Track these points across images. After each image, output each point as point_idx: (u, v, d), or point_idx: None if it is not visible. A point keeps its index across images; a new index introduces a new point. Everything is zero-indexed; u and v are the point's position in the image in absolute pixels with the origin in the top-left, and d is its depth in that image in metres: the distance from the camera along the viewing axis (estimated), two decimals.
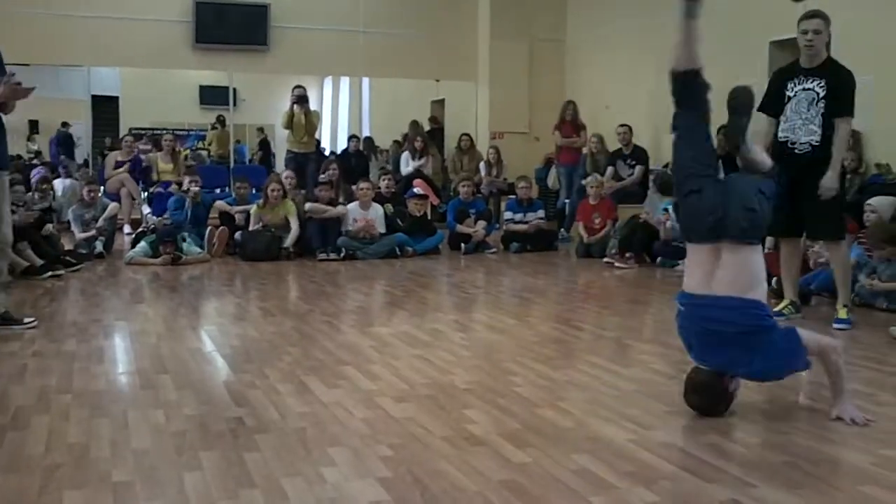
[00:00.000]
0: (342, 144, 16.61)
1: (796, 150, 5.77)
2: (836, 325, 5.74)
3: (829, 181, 5.66)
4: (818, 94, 5.68)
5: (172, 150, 12.59)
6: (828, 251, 6.04)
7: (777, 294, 6.72)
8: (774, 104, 5.93)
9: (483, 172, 12.72)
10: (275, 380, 4.39)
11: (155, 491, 2.93)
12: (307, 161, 11.97)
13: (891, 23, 8.40)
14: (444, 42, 14.06)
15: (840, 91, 5.65)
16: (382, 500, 2.82)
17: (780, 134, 5.87)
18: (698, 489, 2.94)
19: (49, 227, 8.86)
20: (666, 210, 8.95)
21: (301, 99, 11.88)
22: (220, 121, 17.00)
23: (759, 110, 6.10)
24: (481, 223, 10.40)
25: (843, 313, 5.81)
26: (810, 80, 5.72)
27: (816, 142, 5.69)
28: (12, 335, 5.41)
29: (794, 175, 5.75)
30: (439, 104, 16.46)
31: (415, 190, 10.95)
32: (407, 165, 12.95)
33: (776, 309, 6.02)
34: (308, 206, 9.65)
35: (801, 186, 5.74)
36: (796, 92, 5.78)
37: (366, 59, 13.88)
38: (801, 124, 5.75)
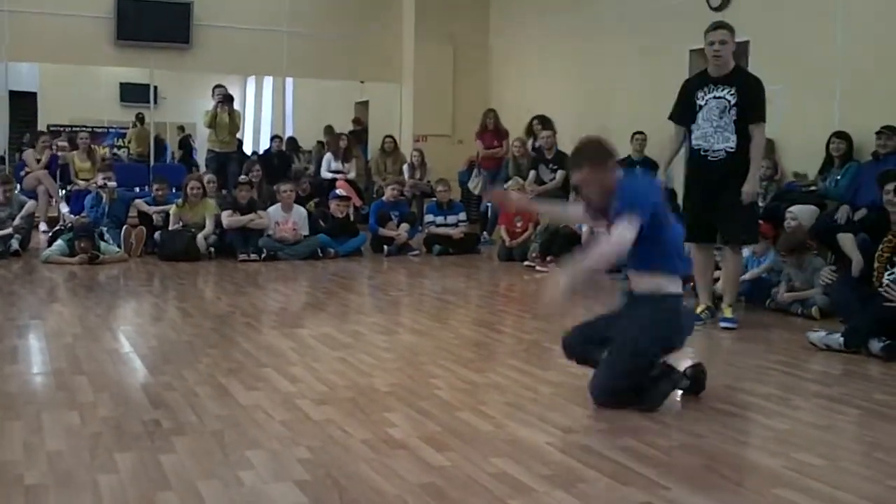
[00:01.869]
0: (265, 144, 16.44)
1: (709, 158, 5.93)
2: (722, 324, 5.98)
3: (750, 186, 5.83)
4: (730, 101, 5.83)
5: (89, 148, 12.35)
6: (725, 253, 6.19)
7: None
8: (683, 114, 6.10)
9: (406, 175, 12.74)
10: (193, 382, 4.35)
11: (69, 494, 2.89)
12: (229, 160, 11.89)
13: (801, 32, 8.66)
14: (368, 44, 14.04)
15: (751, 98, 5.83)
16: (300, 503, 2.82)
17: (693, 142, 6.03)
18: (614, 492, 3.00)
19: None
20: None
21: (226, 98, 11.81)
22: (140, 118, 16.70)
23: (669, 118, 6.28)
24: (404, 226, 10.42)
25: (728, 312, 6.05)
26: (721, 89, 5.87)
27: (731, 148, 5.84)
28: None
29: (709, 182, 5.95)
30: (363, 106, 16.42)
31: (337, 191, 10.92)
32: (329, 166, 12.91)
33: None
34: (226, 221, 9.54)
35: (717, 192, 5.90)
36: (707, 101, 5.92)
37: (290, 59, 13.79)
38: (712, 132, 5.90)
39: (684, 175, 6.34)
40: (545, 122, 11.74)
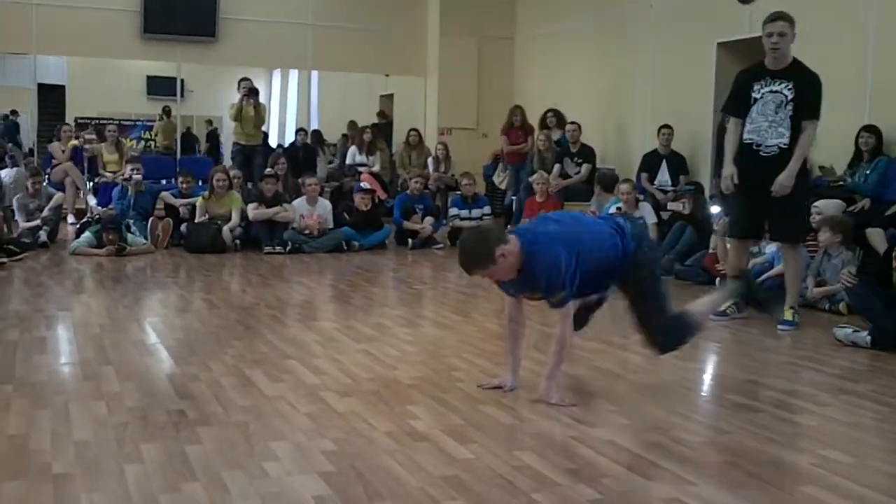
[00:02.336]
0: (290, 137, 16.52)
1: (762, 153, 5.76)
2: (780, 327, 5.82)
3: (784, 178, 5.64)
4: (787, 96, 5.66)
5: (117, 141, 12.44)
6: (784, 253, 6.07)
7: None
8: (739, 106, 5.92)
9: (431, 168, 12.74)
10: (218, 373, 4.38)
11: (95, 483, 2.91)
12: (254, 153, 11.95)
13: (830, 24, 8.56)
14: (393, 37, 14.04)
15: (808, 94, 5.65)
16: (325, 495, 2.84)
17: (745, 136, 5.85)
18: (640, 487, 2.99)
19: None
20: (618, 209, 9.04)
21: (251, 91, 11.87)
22: (167, 111, 16.81)
23: (722, 111, 6.14)
24: (429, 219, 10.43)
25: (788, 315, 5.86)
26: (777, 83, 5.71)
27: (785, 144, 5.68)
28: None
29: (759, 177, 5.76)
30: (388, 99, 16.45)
31: (361, 184, 10.94)
32: (354, 160, 12.93)
33: (720, 309, 6.11)
34: (251, 214, 9.59)
35: (767, 189, 5.73)
36: (763, 94, 5.75)
37: (315, 52, 13.83)
38: (766, 126, 5.73)
39: (738, 170, 6.16)
40: (559, 115, 11.72)
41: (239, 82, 12.29)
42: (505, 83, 13.88)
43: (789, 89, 5.67)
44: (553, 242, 3.91)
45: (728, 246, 7.10)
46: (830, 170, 8.37)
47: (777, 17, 5.74)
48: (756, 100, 5.79)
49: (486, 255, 3.81)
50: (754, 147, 5.80)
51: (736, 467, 3.20)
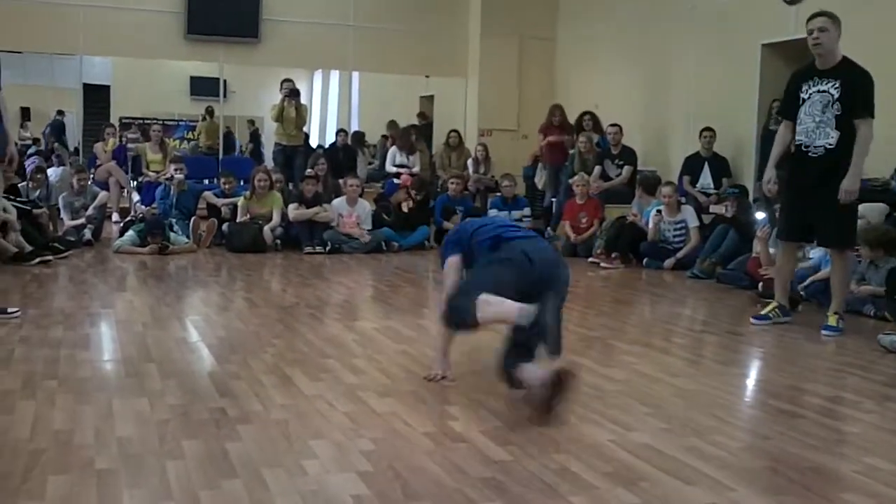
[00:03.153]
0: (330, 138, 16.59)
1: (809, 154, 5.68)
2: (823, 332, 5.74)
3: (848, 183, 5.54)
4: (833, 95, 5.58)
5: (161, 141, 12.58)
6: (832, 257, 5.98)
7: (762, 296, 6.79)
8: (789, 107, 5.87)
9: (471, 169, 12.74)
10: (258, 371, 4.41)
11: (138, 479, 2.95)
12: (295, 154, 12.04)
13: (879, 25, 8.42)
14: (434, 38, 14.07)
15: (857, 92, 5.55)
16: (363, 495, 2.85)
17: (796, 138, 5.79)
18: (678, 491, 2.97)
19: (42, 212, 8.97)
20: (659, 212, 9.00)
21: (292, 93, 11.95)
22: (209, 112, 16.97)
23: (778, 115, 6.08)
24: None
25: (832, 320, 5.78)
26: (825, 82, 5.63)
27: (831, 145, 5.59)
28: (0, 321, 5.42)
29: (806, 179, 5.71)
30: (428, 100, 16.47)
31: (393, 181, 11.00)
32: (394, 160, 12.97)
33: (763, 312, 6.06)
34: (292, 214, 9.66)
35: (815, 191, 5.68)
36: (810, 94, 5.68)
37: (356, 53, 13.89)
38: (813, 127, 5.66)
39: (786, 171, 6.12)
40: (595, 119, 11.66)
41: (281, 83, 12.38)
42: (546, 84, 13.85)
43: (836, 88, 5.58)
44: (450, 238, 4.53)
45: (772, 251, 7.05)
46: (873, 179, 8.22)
47: (817, 13, 5.68)
48: (804, 100, 5.72)
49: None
50: (803, 148, 5.73)
51: (777, 473, 3.16)
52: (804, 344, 5.57)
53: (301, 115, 12.16)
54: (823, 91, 5.63)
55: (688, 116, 10.94)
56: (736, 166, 10.12)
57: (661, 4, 11.52)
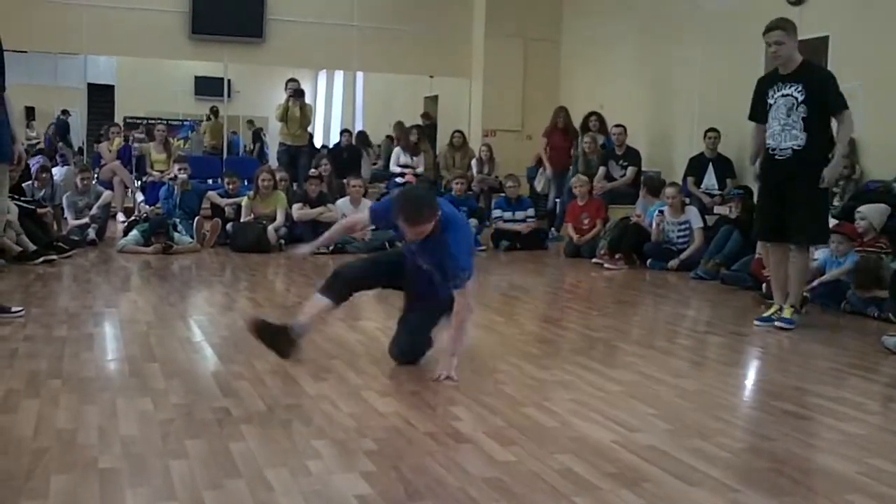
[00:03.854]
0: (335, 138, 16.61)
1: (776, 157, 5.85)
2: (776, 323, 5.87)
3: (830, 172, 5.73)
4: (797, 98, 5.74)
5: (165, 141, 12.60)
6: (794, 251, 6.01)
7: (766, 297, 6.77)
8: (759, 112, 6.04)
9: (475, 170, 12.74)
10: (262, 371, 4.41)
11: (141, 478, 2.95)
12: (300, 154, 12.08)
13: (882, 28, 8.43)
14: (438, 38, 14.06)
15: (822, 91, 5.73)
16: (366, 494, 2.85)
17: (766, 141, 5.96)
18: (682, 492, 2.96)
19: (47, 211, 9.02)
20: (661, 212, 9.00)
21: (297, 93, 11.97)
22: (214, 112, 17.00)
23: (749, 119, 6.20)
24: (472, 221, 10.42)
25: (787, 312, 5.92)
26: (788, 86, 5.80)
27: (799, 146, 5.74)
28: (4, 320, 5.42)
29: (775, 179, 5.89)
30: (432, 100, 16.47)
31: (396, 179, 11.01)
32: (398, 161, 12.97)
33: (766, 314, 6.05)
34: (296, 214, 9.67)
35: (785, 191, 5.83)
36: (776, 98, 5.86)
37: (360, 53, 13.89)
38: (779, 130, 5.82)
39: (757, 174, 6.24)
40: (601, 119, 11.66)
41: (286, 83, 12.41)
42: (550, 85, 13.84)
43: (799, 91, 5.75)
44: (466, 227, 4.59)
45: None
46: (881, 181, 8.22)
47: (770, 27, 5.88)
48: (770, 105, 5.90)
49: (431, 215, 4.21)
50: (770, 151, 5.90)
51: (780, 474, 3.16)
52: (808, 345, 5.56)
53: (305, 115, 12.19)
54: (787, 95, 5.80)
55: (692, 117, 10.93)
56: (740, 167, 10.10)
57: (666, 5, 11.52)
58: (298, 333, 4.56)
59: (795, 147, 5.76)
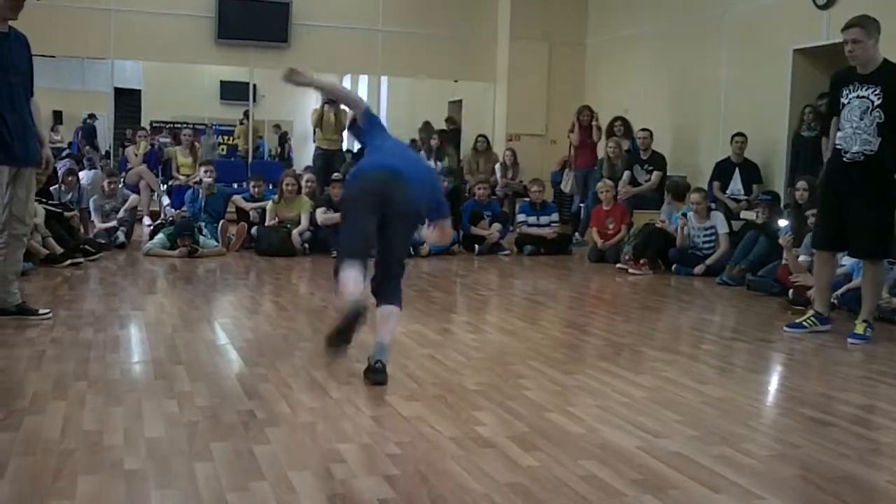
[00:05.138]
0: (359, 143, 16.65)
1: (845, 160, 5.61)
2: (850, 340, 5.66)
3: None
4: (872, 101, 5.50)
5: (191, 144, 12.68)
6: (864, 266, 5.91)
7: (793, 303, 6.72)
8: (836, 107, 5.77)
9: (499, 174, 12.73)
10: (286, 374, 4.43)
11: (166, 480, 2.96)
12: (334, 158, 12.26)
13: None
14: (463, 42, 14.07)
15: None
16: (389, 498, 2.85)
17: (836, 142, 5.73)
18: (706, 499, 2.94)
19: (74, 214, 9.09)
20: (684, 215, 8.95)
21: (331, 100, 12.10)
22: (247, 115, 17.10)
23: (826, 113, 5.99)
24: (496, 225, 10.42)
25: (860, 328, 5.71)
26: (865, 88, 5.55)
27: (870, 151, 5.51)
28: (31, 323, 5.47)
29: (841, 186, 5.65)
30: (457, 105, 16.47)
31: None
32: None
33: (798, 320, 5.99)
34: (320, 218, 9.69)
35: (850, 198, 5.62)
36: (850, 99, 5.60)
37: (385, 58, 13.92)
38: (851, 133, 5.58)
39: (822, 178, 6.02)
40: (626, 124, 11.62)
41: None
42: (575, 89, 13.81)
43: (876, 94, 5.50)
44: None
45: (801, 258, 6.97)
46: None
47: (850, 24, 5.59)
48: (844, 105, 5.65)
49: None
50: (843, 153, 5.65)
51: (807, 482, 3.13)
52: (835, 352, 5.51)
53: (340, 120, 12.30)
54: (863, 97, 5.55)
55: (718, 122, 10.87)
56: (767, 172, 10.05)
57: (692, 9, 11.47)
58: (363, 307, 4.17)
59: (867, 152, 5.52)
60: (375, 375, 4.28)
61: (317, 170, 11.74)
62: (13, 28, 5.37)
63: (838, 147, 5.68)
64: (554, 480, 3.05)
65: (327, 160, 12.16)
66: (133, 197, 10.37)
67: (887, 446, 3.61)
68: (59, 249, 8.15)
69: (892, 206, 5.75)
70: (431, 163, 12.82)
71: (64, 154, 13.78)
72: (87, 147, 16.65)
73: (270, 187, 10.95)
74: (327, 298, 6.94)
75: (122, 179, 11.13)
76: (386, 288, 4.48)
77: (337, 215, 9.70)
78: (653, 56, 12.24)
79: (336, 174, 10.76)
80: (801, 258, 7.05)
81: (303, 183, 10.15)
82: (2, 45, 5.25)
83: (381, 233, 4.33)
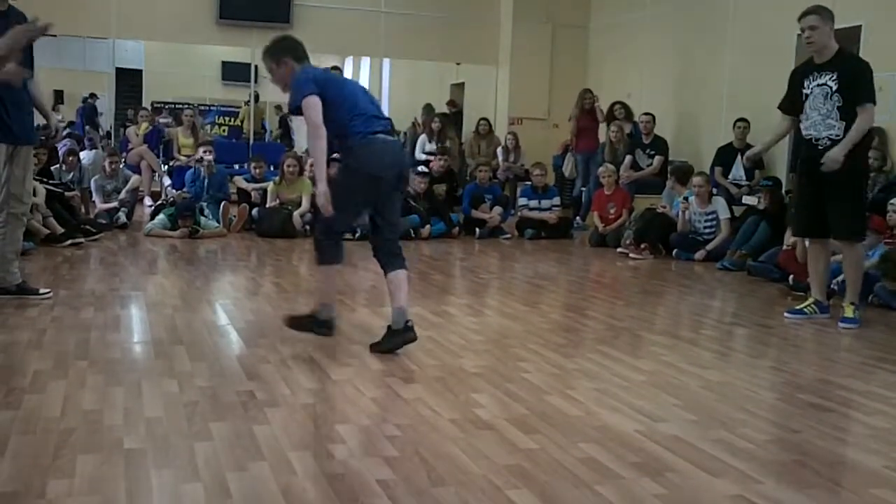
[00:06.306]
0: None
1: (819, 147, 5.73)
2: (841, 325, 5.72)
3: (834, 153, 5.58)
4: (831, 87, 5.67)
5: (193, 125, 12.65)
6: (843, 249, 5.98)
7: (793, 289, 6.73)
8: (792, 104, 5.96)
9: (500, 158, 12.71)
10: (286, 356, 4.44)
11: (166, 459, 2.97)
12: None
13: None
14: (465, 25, 14.00)
15: (854, 81, 5.63)
16: (389, 479, 2.85)
17: (804, 132, 5.88)
18: (705, 483, 2.95)
19: (74, 194, 9.09)
20: (686, 200, 8.94)
21: None
22: (257, 98, 17.05)
23: (778, 108, 6.12)
24: (497, 209, 10.42)
25: (849, 311, 5.77)
26: (823, 75, 5.72)
27: (836, 135, 5.65)
28: (32, 302, 5.47)
29: (815, 171, 5.73)
30: (459, 87, 16.43)
31: (419, 168, 11.00)
32: (423, 148, 12.96)
33: (799, 307, 6.01)
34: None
35: (823, 183, 5.72)
36: (812, 89, 5.78)
37: (387, 39, 13.87)
38: (819, 120, 5.73)
39: (796, 166, 6.14)
40: (627, 108, 11.60)
41: (329, 70, 12.47)
42: (577, 72, 13.74)
43: (833, 80, 5.67)
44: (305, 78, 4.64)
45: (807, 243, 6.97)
46: None
47: (807, 11, 5.78)
48: (807, 95, 5.81)
49: (276, 53, 4.89)
50: (813, 142, 5.80)
51: (804, 467, 3.14)
52: (834, 338, 5.52)
53: None
54: (822, 84, 5.72)
55: (721, 106, 10.84)
56: (769, 158, 10.00)
57: None
58: (329, 315, 4.72)
59: (832, 136, 5.67)
60: (410, 333, 4.56)
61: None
62: (12, 6, 5.36)
63: (808, 136, 5.83)
64: (553, 463, 3.06)
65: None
66: (134, 177, 10.36)
67: (885, 431, 3.61)
68: (60, 229, 8.16)
69: (863, 186, 5.99)
70: (433, 146, 12.81)
71: (65, 133, 13.77)
72: (88, 127, 16.64)
73: (272, 168, 10.93)
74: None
75: (123, 160, 11.11)
76: (388, 255, 4.74)
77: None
78: (656, 40, 12.18)
79: (335, 154, 10.72)
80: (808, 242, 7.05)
81: (304, 165, 10.13)
82: (1, 23, 5.24)
83: (375, 211, 4.67)
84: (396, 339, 4.56)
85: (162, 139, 12.82)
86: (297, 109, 4.55)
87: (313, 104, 4.46)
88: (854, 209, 5.81)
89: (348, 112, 4.57)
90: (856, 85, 5.63)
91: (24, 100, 5.43)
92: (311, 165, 4.95)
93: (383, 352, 4.52)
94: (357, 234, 9.42)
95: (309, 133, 4.57)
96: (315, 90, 4.51)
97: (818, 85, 5.74)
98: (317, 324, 4.72)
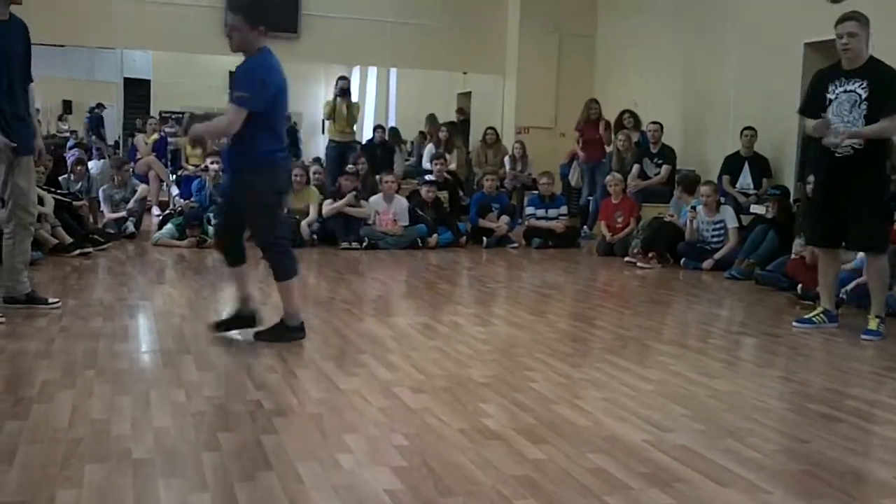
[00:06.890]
0: (368, 134, 16.65)
1: (837, 154, 5.61)
2: (864, 336, 5.62)
3: (852, 131, 5.46)
4: (860, 95, 5.52)
5: None
6: (867, 261, 5.88)
7: (801, 298, 6.71)
8: (815, 106, 5.77)
9: (507, 167, 12.71)
10: (294, 365, 4.44)
11: (173, 469, 2.97)
12: (348, 151, 12.25)
13: None
14: (472, 34, 14.01)
15: (884, 90, 5.48)
16: (396, 489, 2.85)
17: (823, 140, 5.70)
18: (713, 493, 2.94)
19: (83, 204, 9.12)
20: (693, 209, 8.93)
21: (343, 91, 12.11)
22: None
23: (799, 112, 6.02)
24: (504, 218, 10.41)
25: (873, 324, 5.67)
26: (852, 82, 5.57)
27: (859, 145, 5.52)
28: (41, 312, 5.48)
29: (835, 180, 5.65)
30: (466, 97, 16.44)
31: (426, 177, 11.02)
32: (430, 157, 12.97)
33: (807, 316, 5.98)
34: (325, 210, 9.69)
35: (843, 192, 5.61)
36: (837, 94, 5.62)
37: (394, 49, 13.88)
38: (842, 128, 5.58)
39: (812, 175, 6.04)
40: (636, 117, 11.60)
41: (337, 80, 12.56)
42: (585, 82, 13.74)
43: (863, 88, 5.53)
44: (264, 63, 4.88)
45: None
46: None
47: (846, 17, 5.64)
48: (831, 100, 5.67)
49: (256, 17, 4.95)
50: (831, 149, 5.65)
51: (814, 477, 3.12)
52: (843, 347, 5.49)
53: (352, 112, 12.31)
54: (850, 91, 5.58)
55: (728, 115, 10.82)
56: (777, 166, 10.00)
57: (703, 2, 11.41)
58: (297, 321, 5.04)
59: (856, 146, 5.53)
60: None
61: (331, 162, 11.78)
62: (13, 14, 5.39)
63: (828, 143, 5.68)
64: (561, 473, 3.06)
65: (341, 152, 12.15)
66: (142, 187, 10.38)
67: (894, 442, 3.60)
68: (68, 239, 8.17)
69: (885, 197, 5.83)
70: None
71: (71, 143, 13.81)
72: (94, 136, 16.69)
73: None
74: (335, 290, 6.95)
75: (131, 168, 11.13)
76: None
77: (338, 203, 9.72)
78: (663, 49, 12.17)
79: (349, 166, 10.76)
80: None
81: (311, 174, 10.15)
82: (3, 32, 5.27)
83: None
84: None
85: (170, 149, 12.87)
86: (248, 101, 4.78)
87: (243, 117, 4.73)
88: (877, 220, 5.70)
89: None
90: (886, 94, 5.48)
91: (24, 111, 5.46)
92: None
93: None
94: (364, 244, 9.45)
95: (224, 122, 4.95)
96: (261, 108, 4.79)
97: (845, 91, 5.58)
98: (294, 330, 4.97)
